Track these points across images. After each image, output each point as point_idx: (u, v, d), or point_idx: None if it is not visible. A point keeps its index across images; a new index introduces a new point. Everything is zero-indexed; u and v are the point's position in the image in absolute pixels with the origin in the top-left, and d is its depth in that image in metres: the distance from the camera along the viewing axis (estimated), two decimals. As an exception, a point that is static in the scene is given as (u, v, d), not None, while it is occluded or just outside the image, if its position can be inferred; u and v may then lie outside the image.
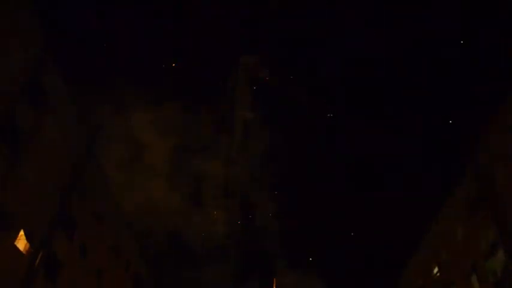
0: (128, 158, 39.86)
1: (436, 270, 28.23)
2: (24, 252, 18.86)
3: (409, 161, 45.20)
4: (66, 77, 20.83)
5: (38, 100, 19.30)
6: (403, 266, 33.89)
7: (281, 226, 51.91)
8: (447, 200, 26.15)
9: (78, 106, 22.40)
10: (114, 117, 36.96)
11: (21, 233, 18.70)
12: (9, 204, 17.42)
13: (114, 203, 28.76)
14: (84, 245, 24.51)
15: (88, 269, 25.07)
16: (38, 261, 19.22)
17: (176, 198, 45.06)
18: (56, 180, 21.23)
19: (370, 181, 51.36)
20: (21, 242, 18.89)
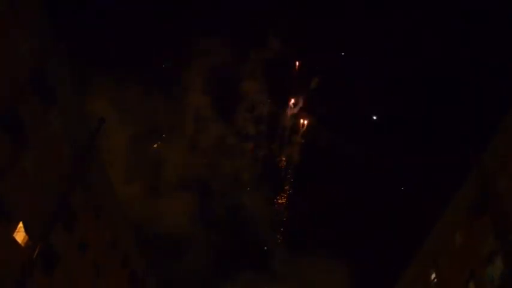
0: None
1: (433, 276, 28.16)
2: (22, 245, 18.84)
3: (410, 166, 45.16)
4: (70, 69, 20.87)
5: (42, 92, 19.30)
6: (400, 271, 33.79)
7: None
8: (447, 206, 26.12)
9: (82, 99, 22.42)
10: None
11: (20, 225, 18.69)
12: (9, 196, 17.40)
13: (114, 197, 28.69)
14: (83, 238, 24.46)
15: (86, 263, 25.03)
16: (36, 253, 19.19)
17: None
18: (57, 173, 21.21)
19: (369, 184, 51.21)
20: (20, 235, 18.87)
